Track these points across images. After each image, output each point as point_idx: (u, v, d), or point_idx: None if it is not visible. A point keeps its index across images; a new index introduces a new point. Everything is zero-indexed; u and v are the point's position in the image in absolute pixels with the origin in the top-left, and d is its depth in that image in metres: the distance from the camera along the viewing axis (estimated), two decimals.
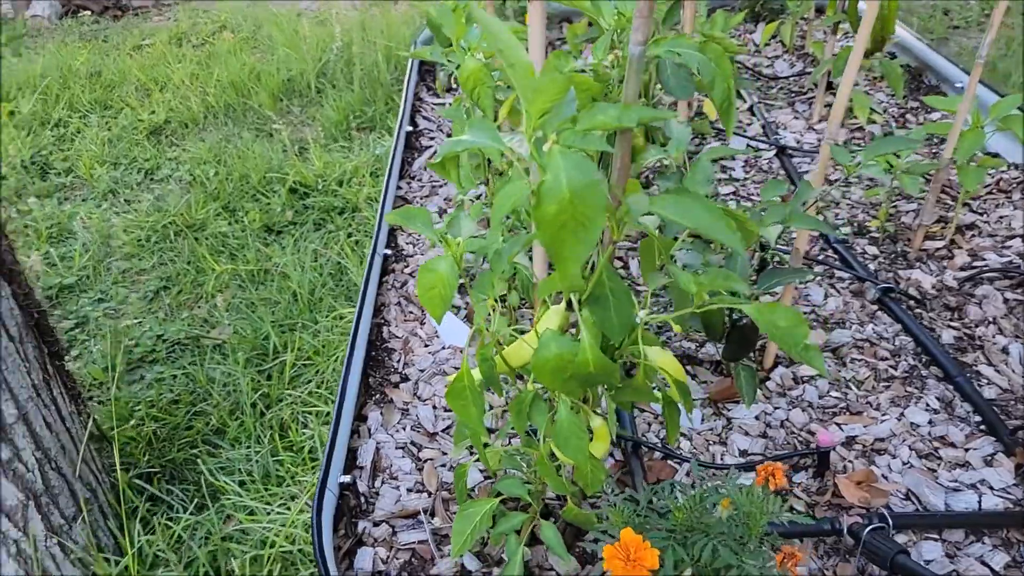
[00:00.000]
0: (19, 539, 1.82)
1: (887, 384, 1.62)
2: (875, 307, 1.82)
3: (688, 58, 0.96)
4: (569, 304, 1.04)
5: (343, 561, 1.29)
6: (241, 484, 1.95)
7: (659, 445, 1.50)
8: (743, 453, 1.50)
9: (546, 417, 1.08)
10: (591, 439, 1.18)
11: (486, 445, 1.20)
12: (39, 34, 5.29)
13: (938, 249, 1.98)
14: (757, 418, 1.56)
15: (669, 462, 1.47)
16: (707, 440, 1.52)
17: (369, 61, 4.06)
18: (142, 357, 2.55)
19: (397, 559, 1.31)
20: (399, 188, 2.41)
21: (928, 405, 1.56)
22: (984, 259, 1.92)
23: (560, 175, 0.73)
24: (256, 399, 2.18)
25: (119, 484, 2.07)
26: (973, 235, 2.01)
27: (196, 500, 1.94)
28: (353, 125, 3.61)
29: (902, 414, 1.55)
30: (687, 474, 1.46)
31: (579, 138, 0.77)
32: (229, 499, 1.91)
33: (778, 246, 1.98)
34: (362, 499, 1.40)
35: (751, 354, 1.71)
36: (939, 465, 1.44)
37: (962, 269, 1.90)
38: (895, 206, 2.17)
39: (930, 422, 1.52)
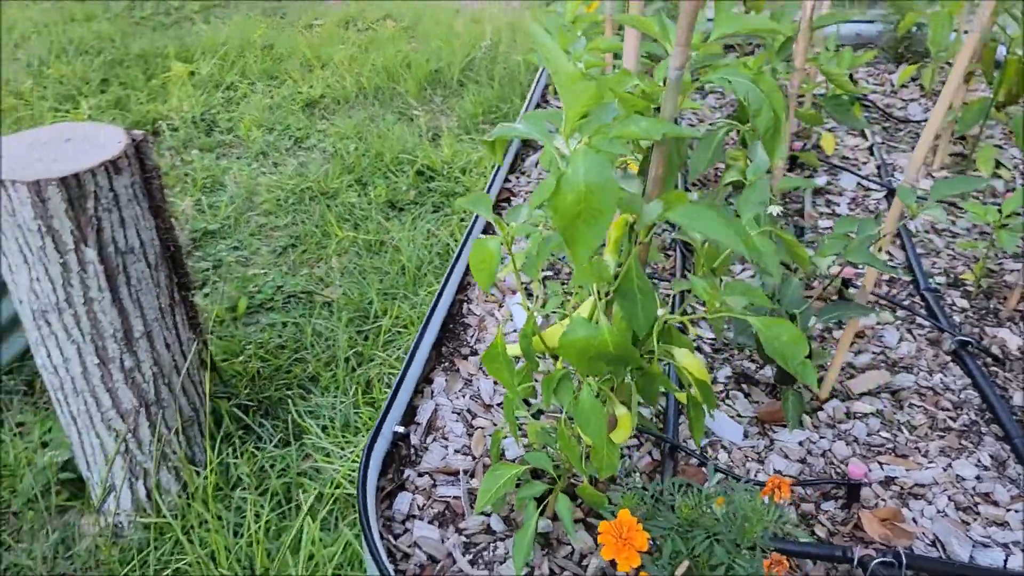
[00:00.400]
0: (129, 439, 2.08)
1: (942, 434, 1.62)
2: (948, 358, 1.80)
3: (739, 86, 1.04)
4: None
5: (384, 500, 1.44)
6: (323, 428, 2.14)
7: (696, 452, 1.56)
8: (777, 473, 1.54)
9: (571, 397, 1.18)
10: (614, 426, 1.27)
11: (531, 416, 1.32)
12: (227, 5, 5.79)
13: None
14: (801, 444, 1.60)
15: (703, 469, 1.54)
16: (746, 456, 1.57)
17: (512, 61, 4.24)
18: (261, 303, 2.82)
19: (432, 508, 1.44)
20: (507, 181, 2.55)
21: (979, 461, 1.55)
22: None
23: (579, 170, 0.84)
24: (350, 355, 2.38)
25: (219, 409, 2.32)
26: None
27: (281, 436, 2.16)
28: (486, 119, 3.80)
29: (950, 465, 1.54)
30: (717, 483, 1.52)
31: (606, 142, 0.88)
32: (310, 440, 2.11)
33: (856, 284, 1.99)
34: (413, 451, 1.55)
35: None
36: (975, 520, 1.43)
37: None
38: (1000, 263, 2.12)
39: (977, 477, 1.51)
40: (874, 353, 1.84)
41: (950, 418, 1.65)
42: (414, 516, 1.43)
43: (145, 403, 2.06)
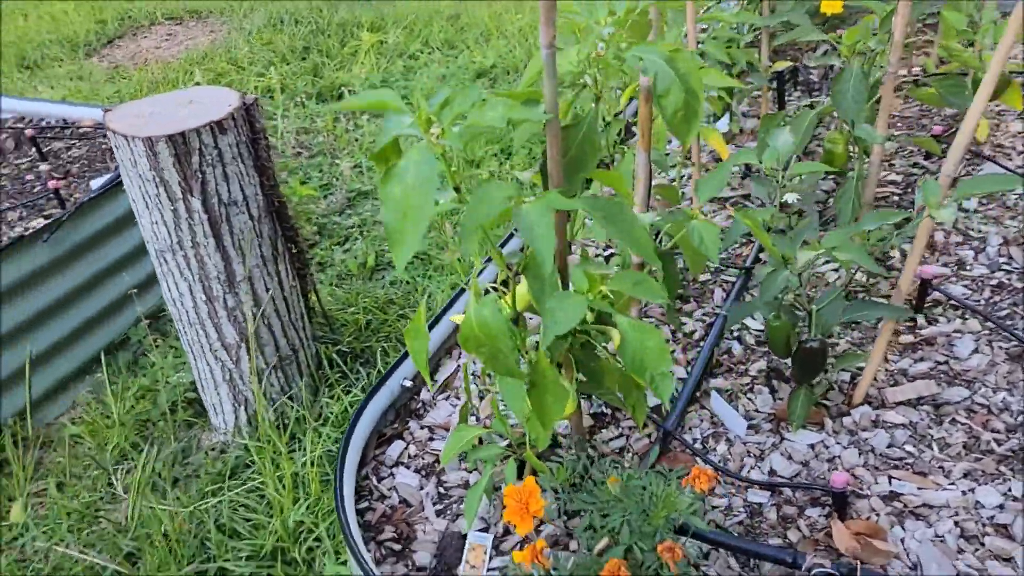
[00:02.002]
0: (232, 370, 2.37)
1: (979, 456, 1.46)
2: None
3: (650, 65, 1.03)
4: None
5: (381, 445, 1.58)
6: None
7: (691, 443, 1.54)
8: (771, 473, 1.48)
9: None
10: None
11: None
12: None
13: None
14: (811, 446, 1.52)
15: (697, 459, 1.51)
16: (747, 451, 1.53)
17: None
18: (389, 261, 3.05)
19: (421, 459, 1.55)
20: None
21: (1010, 490, 1.39)
22: None
23: (409, 167, 0.89)
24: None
25: (321, 352, 2.57)
26: None
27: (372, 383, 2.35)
28: None
29: (972, 489, 1.40)
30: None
31: (458, 130, 0.92)
32: None
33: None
34: (421, 405, 1.67)
35: (839, 385, 1.64)
36: (975, 551, 1.30)
37: None
38: None
39: (1000, 506, 1.36)
40: (937, 362, 1.68)
41: (996, 440, 1.49)
42: (402, 463, 1.55)
43: (246, 339, 2.33)
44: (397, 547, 1.41)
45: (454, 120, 0.95)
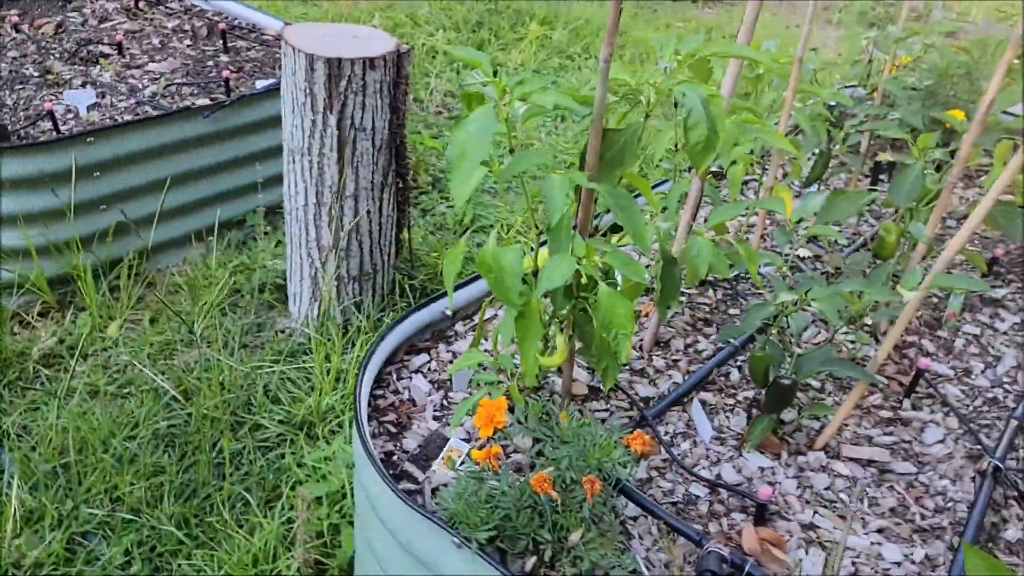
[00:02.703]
0: (317, 270, 2.74)
1: (898, 522, 1.65)
2: (972, 476, 1.77)
3: (688, 101, 1.28)
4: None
5: (411, 353, 1.89)
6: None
7: (662, 433, 1.78)
8: (717, 477, 1.71)
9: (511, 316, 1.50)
10: (552, 351, 1.58)
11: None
12: None
13: None
14: (761, 468, 1.74)
15: (660, 446, 1.75)
16: (706, 455, 1.76)
17: None
18: (483, 226, 3.38)
19: (438, 373, 1.85)
20: None
21: (911, 555, 1.57)
22: None
23: (474, 119, 1.19)
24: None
25: (397, 279, 2.91)
26: None
27: None
28: None
29: (880, 543, 1.59)
30: (663, 460, 1.73)
31: (524, 105, 1.21)
32: None
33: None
34: (455, 334, 1.97)
35: (807, 429, 1.84)
36: None
37: None
38: None
39: (897, 563, 1.55)
40: (903, 439, 1.86)
41: (921, 515, 1.67)
42: (421, 371, 1.86)
43: (337, 247, 2.69)
44: (393, 430, 1.71)
45: (521, 96, 1.24)
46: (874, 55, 2.80)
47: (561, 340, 1.57)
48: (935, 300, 2.38)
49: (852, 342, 2.16)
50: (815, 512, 1.65)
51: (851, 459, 1.79)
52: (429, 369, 1.88)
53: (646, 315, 2.10)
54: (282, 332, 2.79)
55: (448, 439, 1.68)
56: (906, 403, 1.98)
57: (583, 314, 1.51)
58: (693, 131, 1.30)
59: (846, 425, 1.89)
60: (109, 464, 2.17)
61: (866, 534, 1.62)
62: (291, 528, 2.02)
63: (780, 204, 1.72)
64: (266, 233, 3.14)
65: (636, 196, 1.66)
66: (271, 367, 2.53)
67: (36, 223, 2.68)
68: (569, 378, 1.69)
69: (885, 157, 2.67)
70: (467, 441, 1.70)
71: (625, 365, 1.94)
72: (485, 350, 1.66)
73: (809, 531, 1.61)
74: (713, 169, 2.71)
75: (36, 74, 3.30)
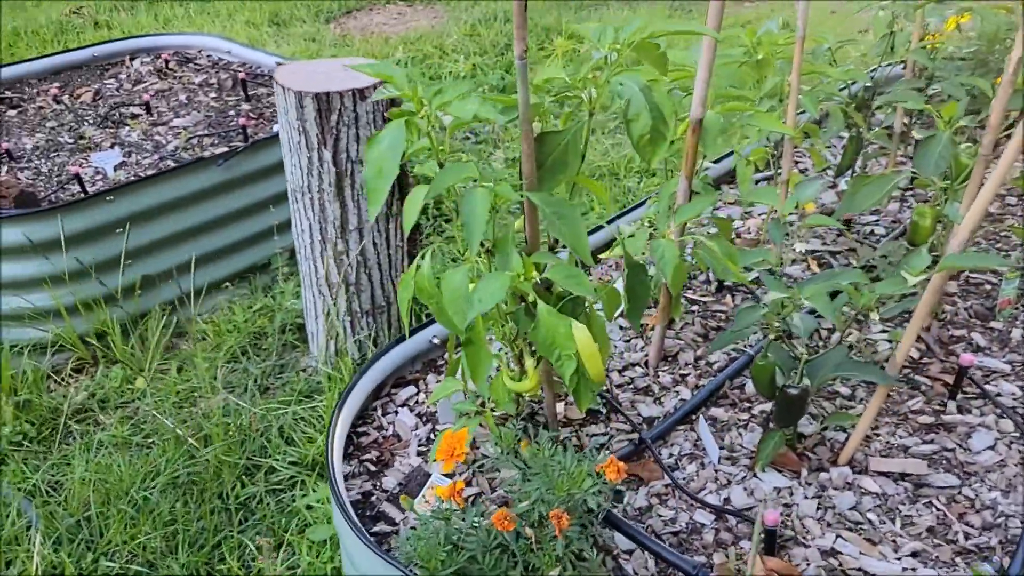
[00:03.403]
0: (330, 306, 2.69)
1: (938, 543, 1.45)
2: None
3: (625, 91, 1.16)
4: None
5: (399, 386, 1.80)
6: None
7: (668, 457, 1.64)
8: (725, 501, 1.55)
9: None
10: (523, 376, 1.46)
11: None
12: None
13: None
14: (777, 489, 1.57)
15: (663, 471, 1.61)
16: (715, 477, 1.60)
17: None
18: None
19: (425, 406, 1.76)
20: None
21: None
22: None
23: (386, 135, 1.10)
24: None
25: (412, 311, 2.83)
26: None
27: None
28: None
29: (914, 569, 1.40)
30: (665, 486, 1.59)
31: (443, 114, 1.12)
32: None
33: None
34: (444, 362, 1.87)
35: (831, 442, 1.67)
36: None
37: None
38: None
39: None
40: (945, 448, 1.66)
41: (966, 534, 1.47)
42: (407, 405, 1.77)
43: (346, 282, 2.64)
44: (373, 468, 1.63)
45: (440, 106, 1.15)
46: (901, 26, 2.59)
47: (531, 363, 1.46)
48: (988, 288, 2.16)
49: (889, 341, 1.97)
50: (837, 536, 1.48)
51: (881, 473, 1.60)
52: (416, 402, 1.79)
53: (651, 328, 1.96)
54: (303, 371, 2.76)
55: (429, 475, 1.58)
56: (951, 406, 1.77)
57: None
58: (635, 123, 1.18)
59: (877, 434, 1.70)
60: (128, 515, 2.16)
61: (898, 559, 1.43)
62: (295, 573, 1.95)
63: (770, 195, 1.57)
64: (291, 275, 3.13)
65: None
66: (285, 408, 2.49)
67: (62, 283, 2.74)
68: (551, 403, 1.57)
69: (919, 135, 2.46)
70: (450, 476, 1.60)
71: (603, 386, 1.79)
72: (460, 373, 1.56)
73: (830, 558, 1.44)
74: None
75: (70, 141, 3.41)
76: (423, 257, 1.29)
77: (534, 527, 1.30)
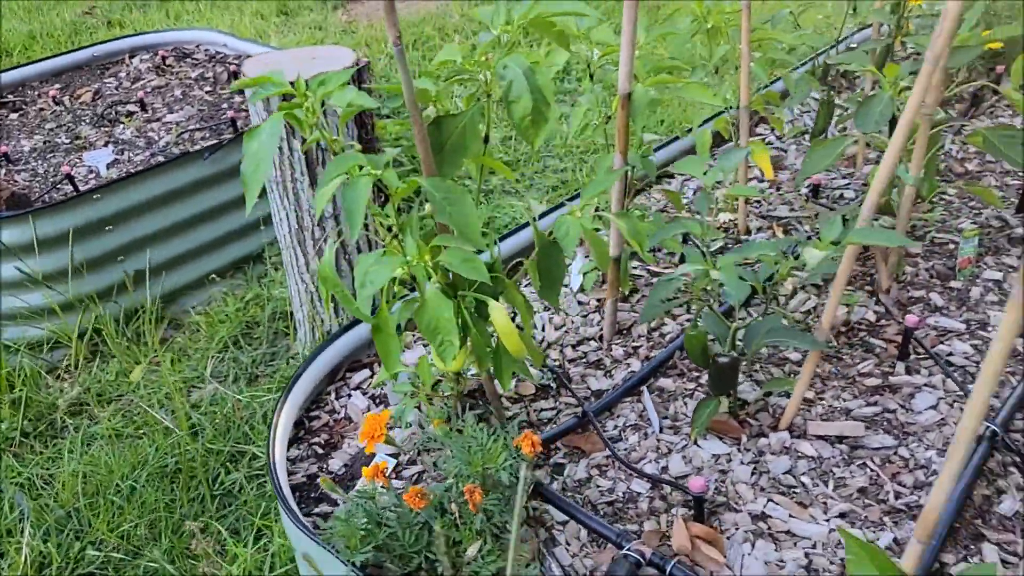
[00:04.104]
0: (313, 293, 2.73)
1: (868, 503, 1.46)
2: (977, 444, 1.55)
3: (509, 73, 1.18)
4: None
5: (355, 369, 1.85)
6: None
7: (613, 429, 1.67)
8: (663, 470, 1.58)
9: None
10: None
11: None
12: None
13: None
14: (715, 456, 1.59)
15: (604, 442, 1.64)
16: (657, 446, 1.63)
17: None
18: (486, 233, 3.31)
19: (380, 388, 1.81)
20: None
21: (877, 539, 1.39)
22: None
23: (265, 128, 1.14)
24: None
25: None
26: None
27: None
28: None
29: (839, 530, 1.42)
30: (606, 457, 1.62)
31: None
32: None
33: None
34: (405, 348, 1.92)
35: (773, 408, 1.68)
36: None
37: None
38: None
39: None
40: (887, 409, 1.66)
41: (897, 493, 1.48)
42: (360, 388, 1.82)
43: (351, 266, 2.68)
44: (321, 451, 1.68)
45: (323, 97, 1.18)
46: None
47: (456, 343, 1.49)
48: (951, 247, 2.13)
49: (847, 305, 1.96)
50: (768, 500, 1.49)
51: (819, 437, 1.61)
52: (370, 385, 1.84)
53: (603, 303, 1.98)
54: (292, 359, 2.83)
55: (374, 456, 1.63)
56: (899, 367, 1.77)
57: (476, 313, 1.43)
58: (517, 104, 1.20)
59: (822, 398, 1.71)
60: (116, 505, 2.25)
61: (827, 520, 1.45)
62: (267, 556, 2.02)
63: (694, 165, 1.57)
64: (277, 264, 3.20)
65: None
66: (269, 396, 2.56)
67: (57, 280, 2.84)
68: (489, 381, 1.61)
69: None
70: (395, 456, 1.65)
71: (526, 360, 1.79)
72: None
73: (759, 522, 1.46)
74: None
75: (67, 141, 3.51)
76: (329, 252, 1.33)
77: (458, 503, 1.34)
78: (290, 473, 1.62)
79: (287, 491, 1.46)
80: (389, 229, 1.33)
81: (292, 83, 1.26)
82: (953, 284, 2.00)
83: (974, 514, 1.44)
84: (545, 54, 1.77)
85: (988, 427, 1.53)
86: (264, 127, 1.18)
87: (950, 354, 1.78)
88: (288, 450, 1.68)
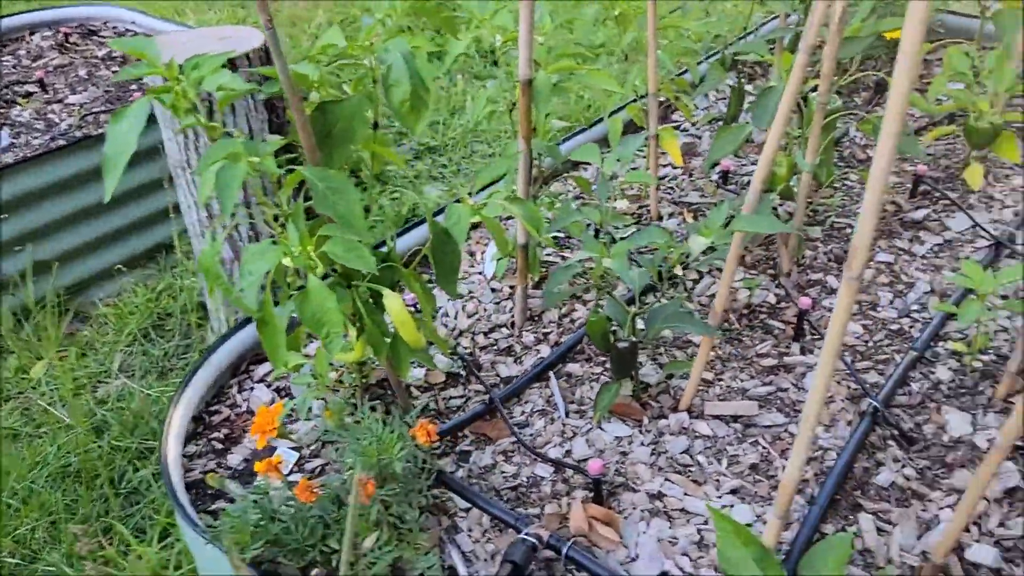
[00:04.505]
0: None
1: (759, 479, 1.51)
2: (851, 418, 1.62)
3: (388, 57, 1.17)
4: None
5: (255, 362, 1.83)
6: None
7: (520, 415, 1.69)
8: (567, 454, 1.60)
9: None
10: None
11: None
12: None
13: None
14: (618, 439, 1.62)
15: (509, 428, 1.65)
16: (562, 431, 1.65)
17: None
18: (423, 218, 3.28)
19: (282, 381, 1.79)
20: None
21: (764, 514, 1.44)
22: None
23: (132, 111, 1.11)
24: None
25: None
26: None
27: None
28: None
29: (732, 505, 1.46)
30: (512, 443, 1.63)
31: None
32: None
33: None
34: (308, 336, 1.89)
35: (674, 390, 1.72)
36: (699, 557, 1.38)
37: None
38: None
39: (748, 525, 1.42)
40: (781, 388, 1.71)
41: (785, 468, 1.52)
42: (264, 380, 1.80)
43: (238, 257, 2.63)
44: (220, 446, 1.66)
45: (196, 81, 1.16)
46: None
47: (353, 332, 1.48)
48: (848, 232, 2.21)
49: (748, 288, 2.01)
50: (665, 479, 1.53)
51: (715, 416, 1.65)
52: (275, 377, 1.82)
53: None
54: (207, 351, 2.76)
55: (275, 449, 1.62)
56: (795, 348, 1.83)
57: (368, 305, 1.42)
58: (395, 89, 1.19)
59: (721, 379, 1.75)
60: (11, 508, 2.17)
61: (719, 497, 1.49)
62: (173, 555, 1.98)
63: (592, 153, 1.59)
64: (189, 253, 3.12)
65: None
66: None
67: None
68: (393, 373, 1.60)
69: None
70: (297, 450, 1.63)
71: (424, 349, 1.79)
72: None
73: (656, 500, 1.50)
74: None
75: None
76: (210, 244, 1.31)
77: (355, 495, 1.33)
78: (187, 470, 1.59)
79: (179, 488, 1.44)
80: (276, 219, 1.32)
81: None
82: None
83: (854, 485, 1.50)
84: (447, 41, 1.77)
85: (871, 403, 1.59)
86: (130, 110, 1.15)
87: (818, 332, 1.84)
88: (186, 446, 1.65)
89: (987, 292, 1.59)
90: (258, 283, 1.19)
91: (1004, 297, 1.90)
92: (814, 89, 1.90)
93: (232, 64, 2.37)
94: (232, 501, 1.52)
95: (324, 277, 1.38)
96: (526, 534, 1.36)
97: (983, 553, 1.33)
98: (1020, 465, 1.48)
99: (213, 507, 1.52)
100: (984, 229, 2.11)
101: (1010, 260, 2.03)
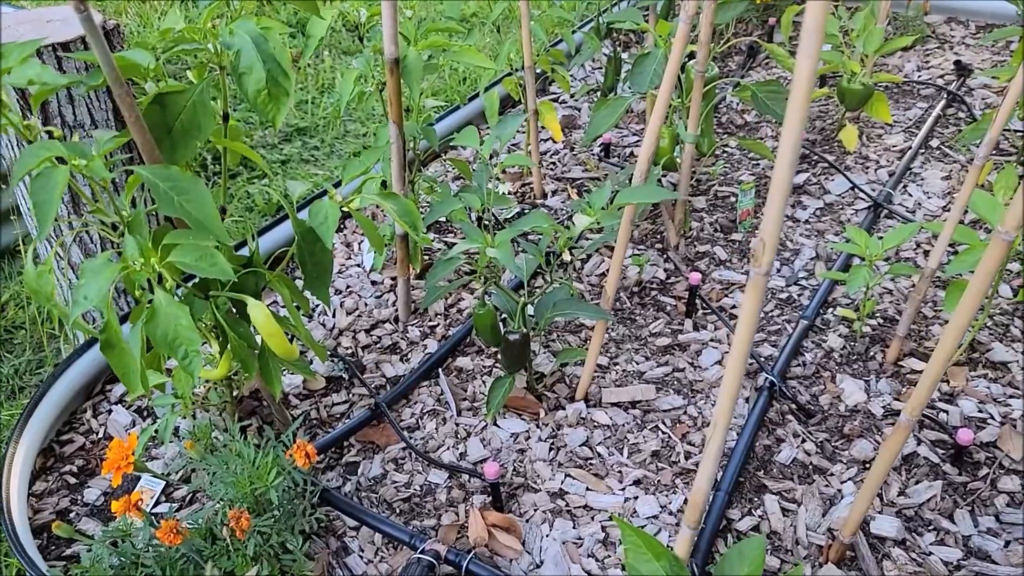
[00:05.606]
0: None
1: (661, 466, 1.47)
2: (748, 394, 1.60)
3: (237, 41, 1.03)
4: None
5: (111, 381, 1.64)
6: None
7: (409, 417, 1.58)
8: (462, 456, 1.51)
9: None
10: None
11: None
12: None
13: (913, 372, 1.62)
14: (514, 435, 1.54)
15: (398, 433, 1.54)
16: (455, 431, 1.56)
17: None
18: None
19: (145, 400, 1.61)
20: None
21: (670, 504, 1.39)
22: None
23: None
24: None
25: None
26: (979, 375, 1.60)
27: None
28: None
29: (636, 497, 1.41)
30: (402, 449, 1.53)
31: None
32: None
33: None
34: None
35: (569, 379, 1.65)
36: (606, 557, 1.32)
37: None
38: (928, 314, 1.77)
39: (654, 517, 1.37)
40: (677, 368, 1.67)
41: (687, 453, 1.49)
42: (122, 401, 1.62)
43: (89, 256, 2.38)
44: (74, 480, 1.48)
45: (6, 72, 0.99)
46: None
47: (216, 348, 1.34)
48: (732, 200, 2.19)
49: (638, 265, 1.96)
50: (566, 476, 1.46)
51: (613, 404, 1.60)
52: (134, 397, 1.64)
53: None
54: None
55: (140, 478, 1.46)
56: (687, 324, 1.79)
57: (232, 317, 1.28)
58: (248, 77, 1.06)
59: (616, 363, 1.70)
60: None
61: (622, 490, 1.44)
62: None
63: (471, 137, 1.49)
64: (36, 259, 2.84)
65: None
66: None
67: None
68: (262, 385, 1.46)
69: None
70: (165, 477, 1.48)
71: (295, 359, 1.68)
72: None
73: (557, 500, 1.43)
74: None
75: None
76: (31, 262, 1.14)
77: (229, 528, 1.20)
78: (36, 511, 1.42)
79: (26, 538, 1.26)
80: (114, 228, 1.16)
81: None
82: (735, 237, 2.05)
83: (757, 465, 1.47)
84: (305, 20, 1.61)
85: (767, 378, 1.57)
86: None
87: (733, 307, 1.82)
88: (34, 484, 1.46)
89: (874, 258, 1.59)
90: (98, 304, 1.03)
91: (887, 260, 1.92)
92: (690, 56, 1.86)
93: (64, 47, 2.14)
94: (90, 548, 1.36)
95: (180, 286, 1.24)
96: (423, 551, 1.27)
97: (886, 525, 1.32)
98: (916, 431, 1.49)
99: (70, 551, 1.35)
100: (863, 191, 2.13)
101: (889, 220, 2.06)
